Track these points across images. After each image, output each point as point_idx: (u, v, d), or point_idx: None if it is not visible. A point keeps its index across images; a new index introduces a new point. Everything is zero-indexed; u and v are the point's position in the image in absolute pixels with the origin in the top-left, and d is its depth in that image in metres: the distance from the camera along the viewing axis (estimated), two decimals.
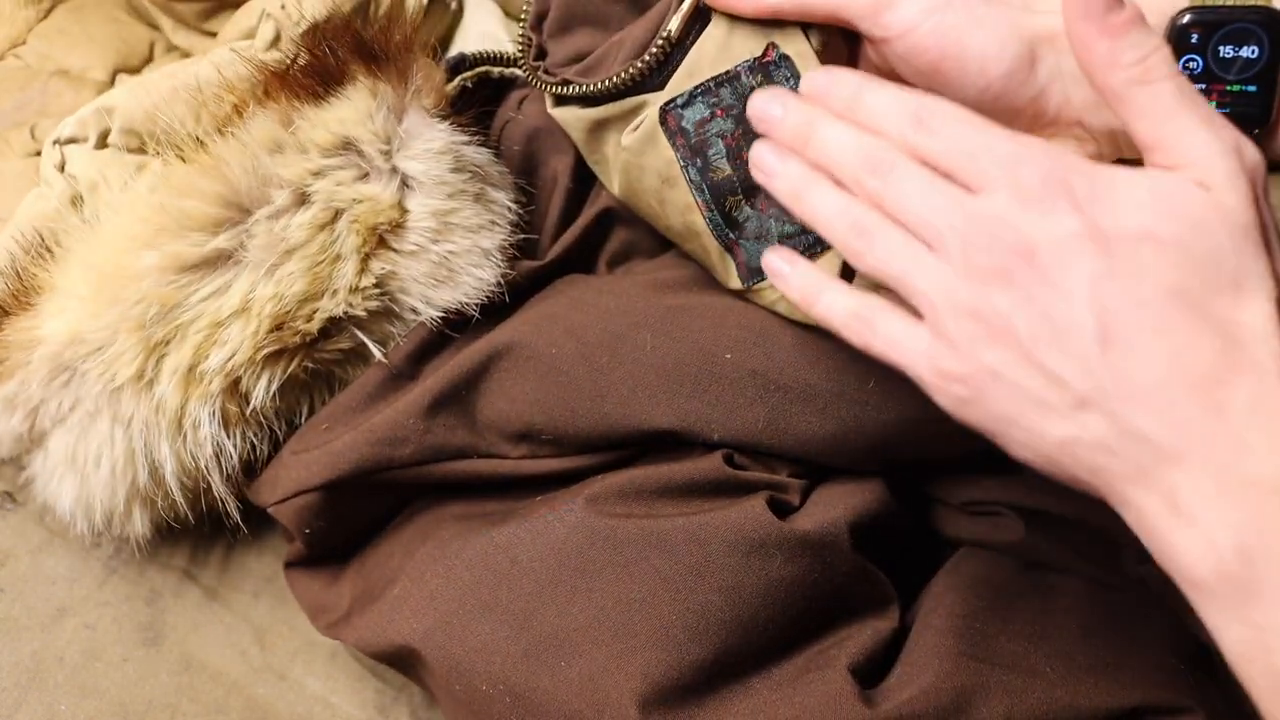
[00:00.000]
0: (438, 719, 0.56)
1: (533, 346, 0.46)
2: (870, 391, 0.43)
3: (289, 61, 0.49)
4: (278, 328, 0.46)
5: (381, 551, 0.50)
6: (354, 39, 0.48)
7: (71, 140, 0.51)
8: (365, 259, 0.47)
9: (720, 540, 0.41)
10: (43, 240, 0.49)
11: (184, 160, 0.47)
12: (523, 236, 0.52)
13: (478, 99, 0.55)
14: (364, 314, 0.48)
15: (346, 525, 0.50)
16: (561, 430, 0.46)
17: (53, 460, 0.50)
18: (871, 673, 0.42)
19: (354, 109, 0.47)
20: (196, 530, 0.58)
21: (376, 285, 0.48)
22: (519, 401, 0.47)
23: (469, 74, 0.56)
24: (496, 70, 0.57)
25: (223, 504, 0.51)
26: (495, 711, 0.42)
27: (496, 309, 0.50)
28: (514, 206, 0.51)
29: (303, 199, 0.47)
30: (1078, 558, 0.46)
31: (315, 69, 0.48)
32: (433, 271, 0.48)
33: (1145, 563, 0.43)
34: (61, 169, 0.51)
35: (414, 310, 0.49)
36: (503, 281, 0.50)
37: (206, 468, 0.49)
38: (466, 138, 0.50)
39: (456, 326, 0.50)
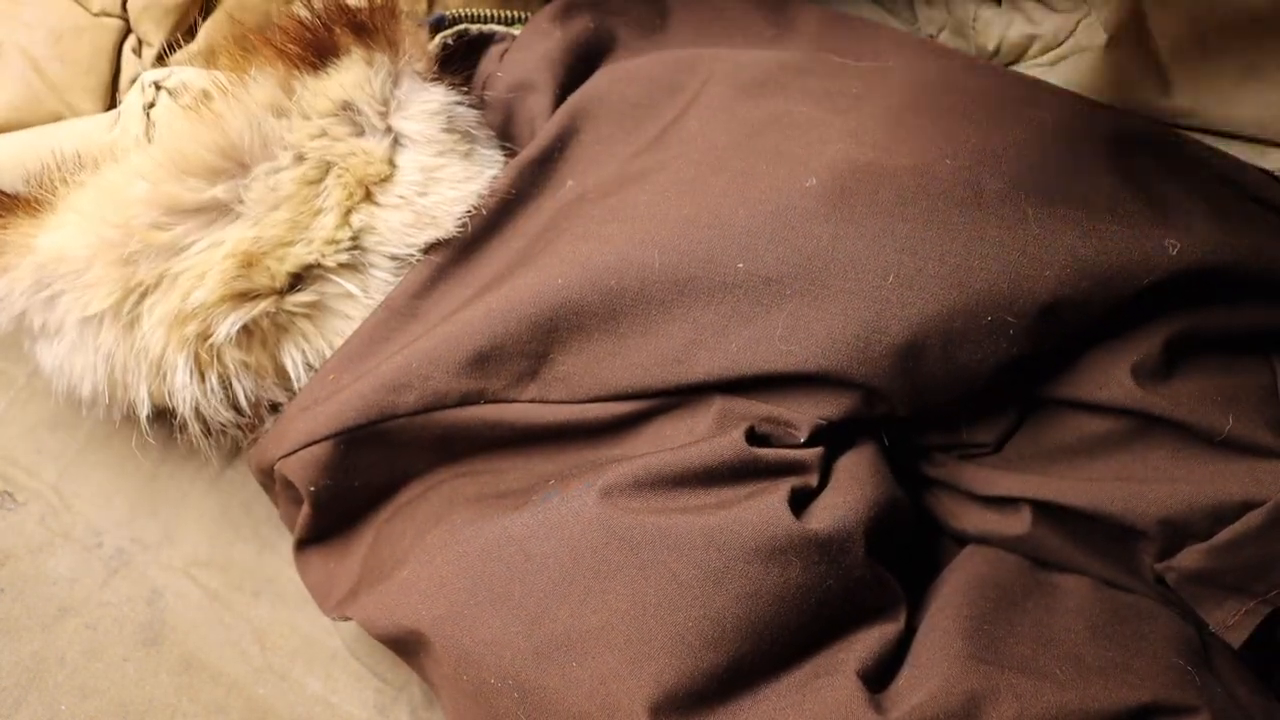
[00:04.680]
0: (437, 718, 0.56)
1: (542, 283, 0.46)
2: (889, 287, 0.43)
3: (284, 35, 0.50)
4: (249, 264, 0.48)
5: (394, 530, 0.49)
6: (345, 14, 0.50)
7: (169, 90, 0.52)
8: (347, 213, 0.49)
9: (739, 545, 0.40)
10: (80, 162, 0.50)
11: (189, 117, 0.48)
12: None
13: (458, 54, 0.57)
14: (333, 265, 0.49)
15: (354, 485, 0.50)
16: (575, 355, 0.46)
17: (43, 361, 0.51)
18: (880, 676, 0.41)
19: (353, 76, 0.49)
20: (197, 530, 0.58)
21: (353, 239, 0.50)
22: (534, 332, 0.47)
23: (449, 31, 0.58)
24: (475, 27, 0.58)
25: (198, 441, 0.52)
26: (501, 706, 0.41)
27: (484, 231, 0.51)
28: (500, 160, 0.53)
29: (301, 158, 0.48)
30: (1086, 555, 0.46)
31: (311, 43, 0.49)
32: (415, 221, 0.50)
33: (1165, 558, 0.43)
34: (148, 109, 0.52)
35: (393, 256, 0.50)
36: (480, 206, 0.51)
37: (184, 412, 0.50)
38: (459, 98, 0.52)
39: (451, 258, 0.51)
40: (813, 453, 0.44)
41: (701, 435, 0.44)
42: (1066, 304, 0.43)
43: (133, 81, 0.54)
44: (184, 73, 0.52)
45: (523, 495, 0.45)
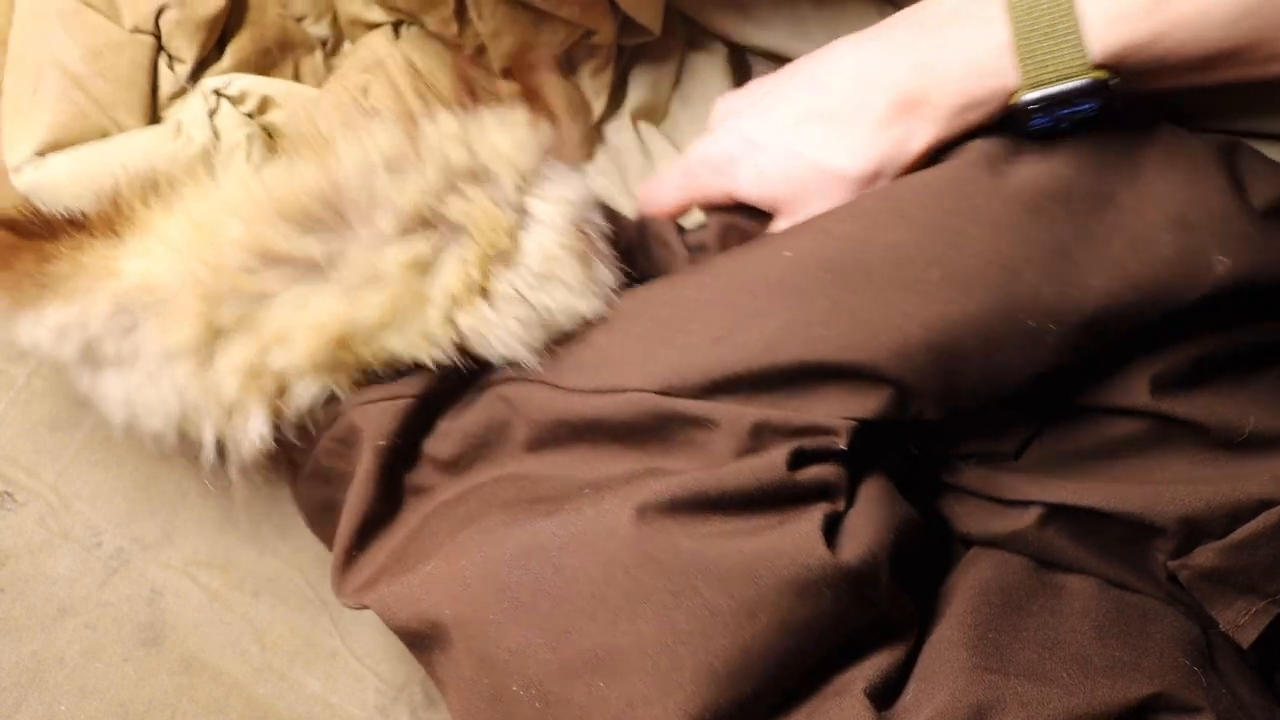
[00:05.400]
0: (437, 719, 0.56)
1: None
2: (933, 280, 0.42)
3: (460, 67, 0.48)
4: (339, 345, 0.45)
5: (426, 528, 0.48)
6: (526, 75, 0.48)
7: (230, 98, 0.50)
8: (453, 310, 0.45)
9: (774, 577, 0.40)
10: (155, 181, 0.47)
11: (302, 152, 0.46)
12: None
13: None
14: (430, 364, 0.46)
15: (418, 452, 0.49)
16: (617, 342, 0.46)
17: (107, 395, 0.49)
18: (886, 692, 0.42)
19: (510, 140, 0.46)
20: (197, 530, 0.59)
21: (457, 344, 0.46)
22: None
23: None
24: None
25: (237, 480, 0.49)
26: (521, 714, 0.41)
27: None
28: (613, 286, 0.49)
29: (409, 228, 0.44)
30: (1093, 555, 0.46)
31: (472, 93, 0.47)
32: (524, 324, 0.46)
33: (1180, 555, 0.44)
34: (211, 116, 0.50)
35: (495, 370, 0.47)
36: None
37: (235, 449, 0.47)
38: (597, 199, 0.49)
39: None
40: (840, 473, 0.43)
41: (736, 447, 0.44)
42: (1108, 316, 0.43)
43: (173, 96, 0.53)
44: (244, 80, 0.50)
45: (556, 502, 0.45)
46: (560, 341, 0.47)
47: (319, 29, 0.63)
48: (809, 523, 0.41)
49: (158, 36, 0.53)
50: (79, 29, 0.51)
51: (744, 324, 0.44)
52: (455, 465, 0.48)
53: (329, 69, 0.63)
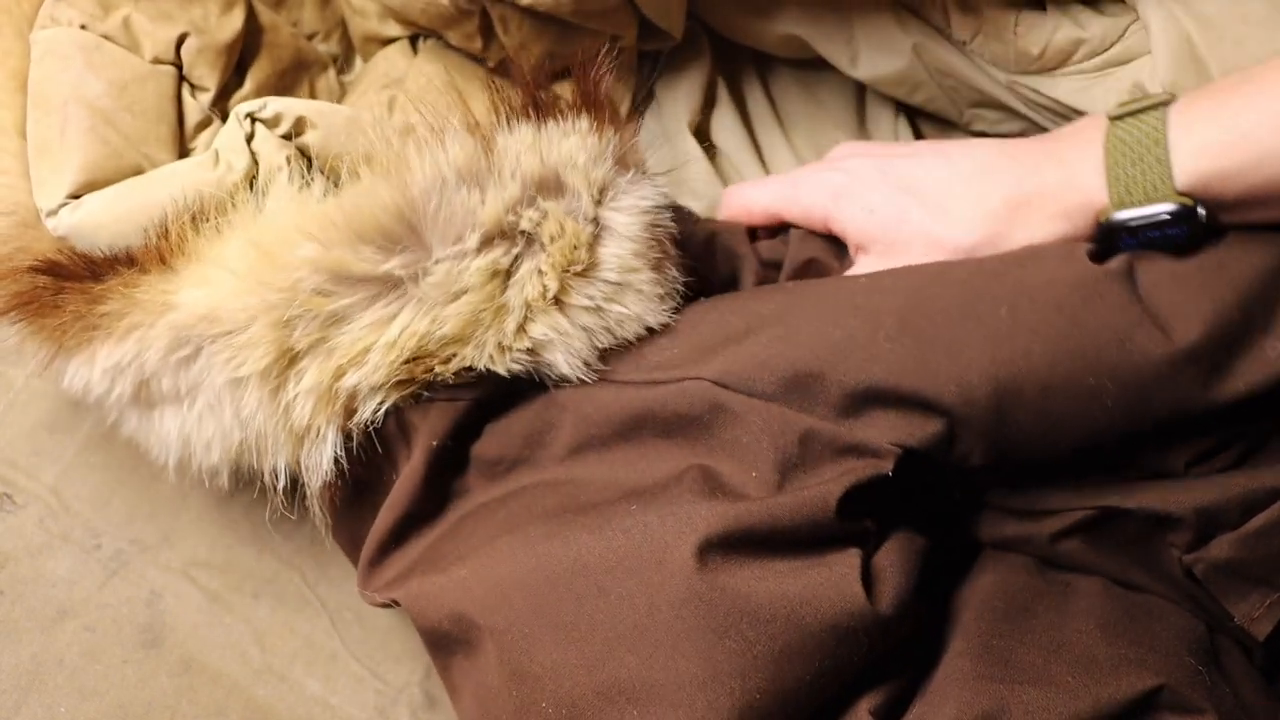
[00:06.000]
0: (438, 719, 0.56)
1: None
2: (1002, 319, 0.43)
3: (521, 78, 0.46)
4: (413, 359, 0.44)
5: (464, 528, 0.47)
6: (585, 81, 0.46)
7: (264, 122, 0.48)
8: (528, 319, 0.45)
9: (816, 624, 0.40)
10: (204, 208, 0.46)
11: (372, 170, 0.44)
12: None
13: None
14: (503, 372, 0.45)
15: (467, 454, 0.48)
16: (677, 339, 0.46)
17: (159, 432, 0.48)
18: (892, 710, 0.42)
19: (584, 150, 0.45)
20: (196, 532, 0.59)
21: (529, 352, 0.45)
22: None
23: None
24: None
25: (315, 506, 0.49)
26: None
27: None
28: (684, 290, 0.49)
29: (491, 240, 0.44)
30: (1105, 555, 0.46)
31: (533, 101, 0.46)
32: (594, 335, 0.46)
33: (1195, 549, 0.44)
34: (249, 142, 0.48)
35: (562, 376, 0.47)
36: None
37: (310, 474, 0.46)
38: (669, 204, 0.49)
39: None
40: (871, 527, 0.43)
41: (783, 453, 0.43)
42: (1163, 384, 0.43)
43: (198, 125, 0.52)
44: (277, 102, 0.48)
45: (600, 514, 0.44)
46: (622, 346, 0.47)
47: (329, 46, 0.62)
48: (848, 568, 0.41)
49: (179, 66, 0.52)
50: (101, 64, 0.50)
51: (810, 329, 0.44)
52: (496, 467, 0.48)
53: (342, 86, 0.62)
